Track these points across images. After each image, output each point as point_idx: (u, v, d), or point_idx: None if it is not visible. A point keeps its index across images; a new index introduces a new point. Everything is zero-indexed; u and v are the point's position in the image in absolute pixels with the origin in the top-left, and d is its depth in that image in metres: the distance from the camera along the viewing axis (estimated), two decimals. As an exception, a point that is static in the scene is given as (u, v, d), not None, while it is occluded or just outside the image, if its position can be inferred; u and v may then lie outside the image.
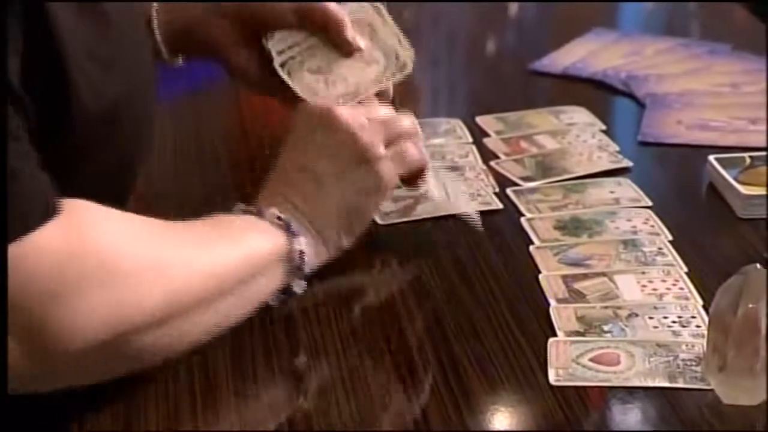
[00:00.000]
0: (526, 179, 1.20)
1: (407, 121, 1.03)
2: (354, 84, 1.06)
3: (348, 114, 1.00)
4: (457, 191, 1.12)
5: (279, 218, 0.95)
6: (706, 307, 0.96)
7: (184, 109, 1.39)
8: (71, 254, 0.81)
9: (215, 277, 0.88)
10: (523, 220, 1.12)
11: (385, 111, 1.03)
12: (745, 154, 1.20)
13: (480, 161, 1.24)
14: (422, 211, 1.13)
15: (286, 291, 0.95)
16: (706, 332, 0.90)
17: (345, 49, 1.07)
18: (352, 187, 0.99)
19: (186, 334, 0.87)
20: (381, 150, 0.99)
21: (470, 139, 1.29)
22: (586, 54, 1.53)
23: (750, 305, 0.85)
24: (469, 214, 1.09)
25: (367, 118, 1.00)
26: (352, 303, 1.00)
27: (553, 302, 0.99)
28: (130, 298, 0.82)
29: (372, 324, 0.97)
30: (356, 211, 0.99)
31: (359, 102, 1.04)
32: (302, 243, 0.95)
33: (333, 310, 0.98)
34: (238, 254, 0.91)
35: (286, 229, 0.94)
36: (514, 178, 1.20)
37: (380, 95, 1.06)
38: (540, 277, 1.02)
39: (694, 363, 0.90)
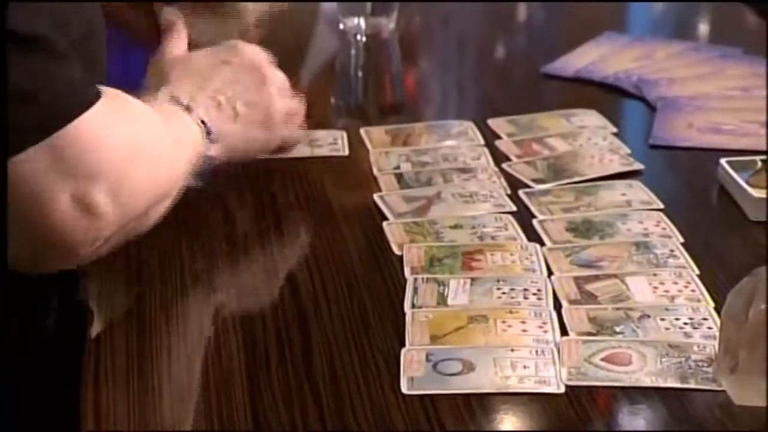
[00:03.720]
0: (538, 181, 1.21)
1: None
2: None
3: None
4: None
5: (203, 122, 1.06)
6: (717, 310, 0.96)
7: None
8: (126, 131, 0.92)
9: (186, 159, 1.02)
10: (535, 221, 1.13)
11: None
12: (757, 158, 1.20)
13: (492, 163, 1.25)
14: (435, 212, 1.14)
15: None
16: (717, 334, 0.91)
17: None
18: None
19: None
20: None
21: (482, 142, 1.30)
22: (597, 57, 1.54)
23: (761, 307, 0.85)
24: None
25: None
26: (363, 299, 1.01)
27: (565, 303, 0.99)
28: (167, 172, 0.96)
29: (384, 321, 0.97)
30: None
31: None
32: (200, 113, 1.06)
33: (345, 308, 0.99)
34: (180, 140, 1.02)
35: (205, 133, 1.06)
36: (526, 180, 1.21)
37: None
38: (552, 278, 1.03)
39: (705, 364, 0.90)
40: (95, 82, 0.91)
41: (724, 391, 0.87)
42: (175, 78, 1.09)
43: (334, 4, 1.60)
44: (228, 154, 1.09)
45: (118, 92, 0.94)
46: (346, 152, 1.27)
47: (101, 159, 0.89)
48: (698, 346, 0.93)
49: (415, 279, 1.03)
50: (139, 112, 0.96)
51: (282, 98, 1.15)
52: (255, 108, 1.12)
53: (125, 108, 0.94)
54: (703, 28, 1.76)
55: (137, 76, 1.14)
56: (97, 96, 0.90)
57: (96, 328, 0.96)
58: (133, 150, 0.92)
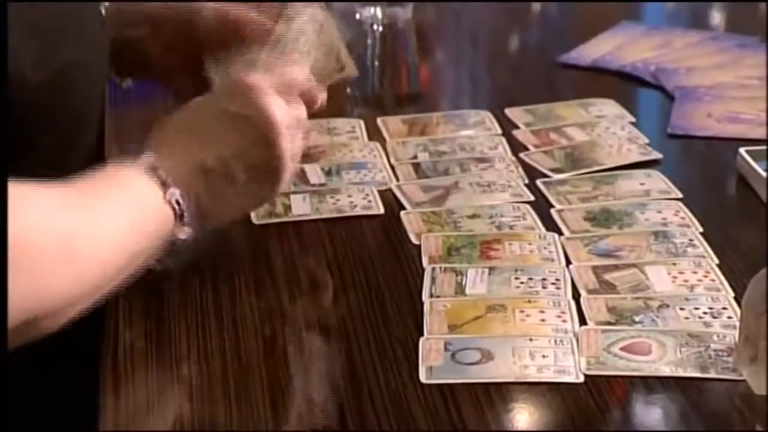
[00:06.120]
0: (556, 171, 1.20)
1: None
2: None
3: (283, 110, 0.98)
4: None
5: (178, 202, 0.93)
6: (737, 299, 0.96)
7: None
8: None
9: (118, 251, 0.88)
10: (553, 211, 1.12)
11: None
12: (776, 147, 1.20)
13: (509, 153, 1.25)
14: (453, 202, 1.14)
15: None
16: (737, 323, 0.90)
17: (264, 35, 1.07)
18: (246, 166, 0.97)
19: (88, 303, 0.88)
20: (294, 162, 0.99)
21: (499, 131, 1.30)
22: (614, 47, 1.53)
23: (782, 296, 0.85)
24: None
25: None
26: (381, 289, 1.00)
27: (583, 293, 0.99)
28: (42, 284, 0.82)
29: (402, 311, 0.97)
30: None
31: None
32: (186, 231, 0.94)
33: (363, 297, 0.99)
34: (132, 225, 0.90)
35: (179, 215, 0.93)
36: (544, 170, 1.21)
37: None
38: (571, 267, 1.03)
39: (725, 354, 0.90)
40: None
41: (744, 380, 0.87)
42: (169, 136, 0.96)
43: (343, -2, 1.60)
44: (213, 224, 0.98)
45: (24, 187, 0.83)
46: (366, 140, 1.27)
47: None
48: (718, 336, 0.92)
49: (433, 268, 1.02)
50: (26, 212, 0.82)
51: (293, 163, 1.00)
52: (260, 170, 0.97)
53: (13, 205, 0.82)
54: (720, 17, 1.75)
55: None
56: None
57: (113, 324, 0.96)
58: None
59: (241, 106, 0.97)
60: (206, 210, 0.95)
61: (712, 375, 0.88)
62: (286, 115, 0.98)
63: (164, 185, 0.93)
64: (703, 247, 1.05)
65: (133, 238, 0.90)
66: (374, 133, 1.29)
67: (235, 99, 0.97)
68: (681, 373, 0.89)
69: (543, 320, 0.95)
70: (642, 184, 1.17)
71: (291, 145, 0.98)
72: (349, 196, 1.15)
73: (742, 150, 1.20)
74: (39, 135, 0.94)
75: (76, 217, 0.86)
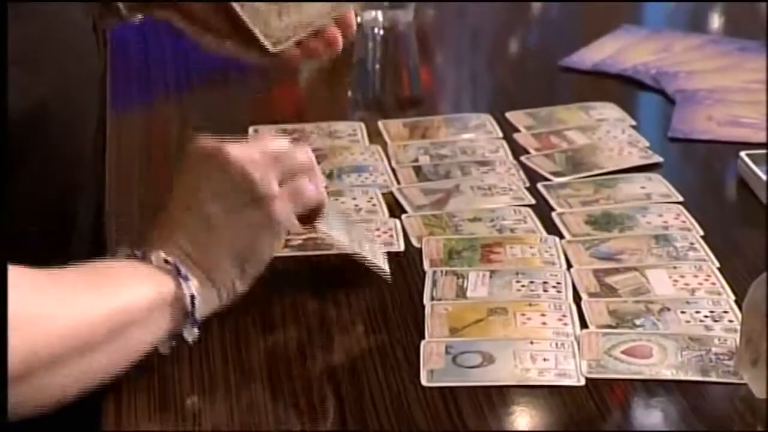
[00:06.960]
0: (557, 174, 1.20)
1: (303, 155, 0.95)
2: (309, 14, 1.04)
3: (238, 150, 0.92)
4: (360, 236, 1.03)
5: (166, 261, 0.88)
6: (738, 302, 0.96)
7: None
8: None
9: (80, 330, 0.83)
10: (554, 214, 1.13)
11: (279, 145, 0.95)
12: (777, 151, 1.20)
13: (510, 156, 1.25)
14: (454, 205, 1.14)
15: (176, 337, 0.90)
16: (738, 327, 0.91)
17: None
18: (243, 228, 0.92)
19: (52, 387, 0.83)
20: (274, 187, 0.92)
21: (500, 135, 1.30)
22: (615, 50, 1.53)
23: (783, 299, 0.85)
24: (373, 262, 1.01)
25: (259, 152, 0.92)
26: (383, 292, 1.00)
27: (584, 296, 0.99)
28: None
29: (403, 314, 0.97)
30: (249, 253, 0.92)
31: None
32: (192, 287, 0.89)
33: (364, 300, 0.99)
34: (110, 305, 0.85)
35: (175, 273, 0.88)
36: (545, 173, 1.21)
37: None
38: (572, 271, 1.03)
39: (726, 357, 0.90)
40: None
41: (745, 384, 0.87)
42: (180, 241, 0.91)
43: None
44: (222, 280, 0.92)
45: None
46: (366, 143, 1.27)
47: None
48: (719, 339, 0.92)
49: (434, 272, 1.03)
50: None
51: (269, 168, 0.93)
52: (264, 261, 0.94)
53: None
54: (720, 21, 1.75)
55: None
56: None
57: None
58: None
59: (260, 212, 0.92)
60: (199, 258, 0.91)
61: (713, 378, 0.88)
62: (244, 149, 0.93)
63: (144, 257, 0.89)
64: (704, 250, 1.05)
65: (115, 316, 0.86)
66: (375, 136, 1.29)
67: (257, 207, 0.92)
68: (682, 376, 0.89)
69: (544, 323, 0.95)
70: (643, 187, 1.17)
71: (266, 175, 0.92)
72: (354, 198, 1.15)
73: (743, 154, 1.20)
74: (35, 146, 0.94)
75: (25, 297, 0.82)
